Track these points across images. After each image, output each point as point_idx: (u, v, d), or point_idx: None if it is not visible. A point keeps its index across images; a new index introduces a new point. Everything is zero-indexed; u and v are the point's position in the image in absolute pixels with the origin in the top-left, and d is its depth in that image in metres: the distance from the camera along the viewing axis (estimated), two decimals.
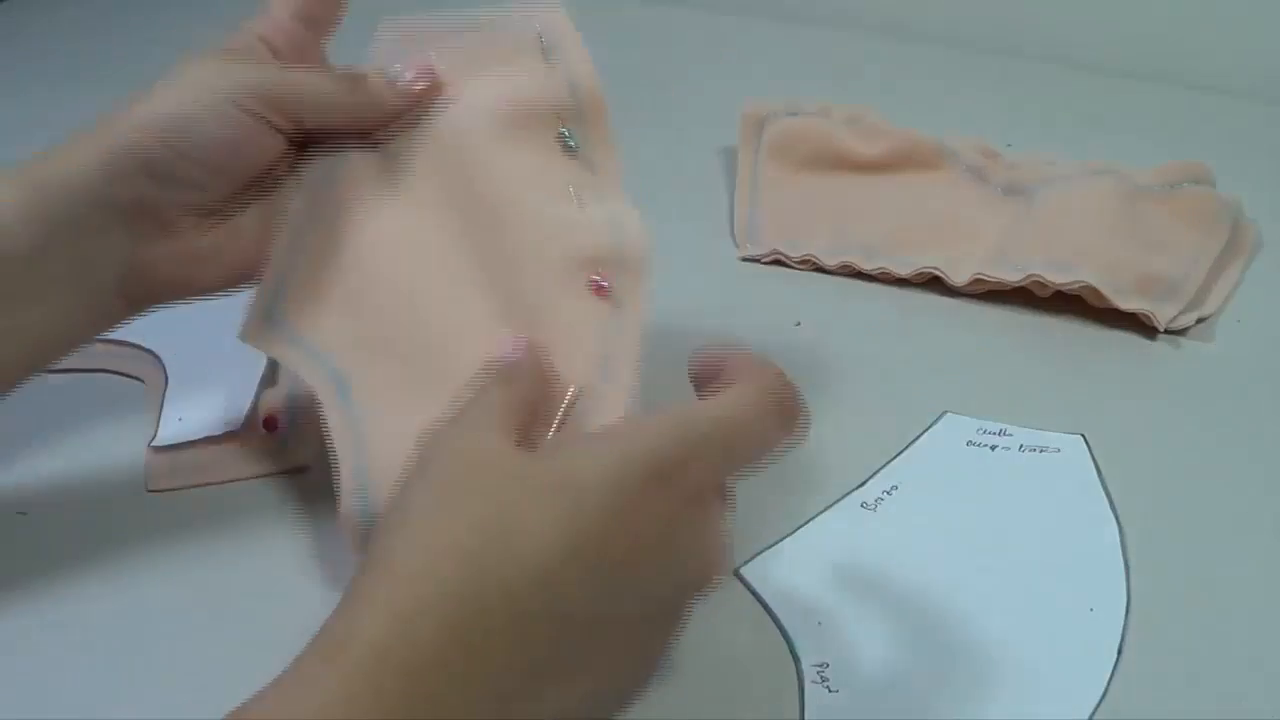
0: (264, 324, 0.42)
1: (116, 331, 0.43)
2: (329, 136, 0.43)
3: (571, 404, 0.36)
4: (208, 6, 0.93)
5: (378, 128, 0.43)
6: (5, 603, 0.42)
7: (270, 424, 0.48)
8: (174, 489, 0.47)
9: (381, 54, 0.44)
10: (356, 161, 0.43)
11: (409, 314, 0.41)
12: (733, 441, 0.33)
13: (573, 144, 0.43)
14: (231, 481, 0.47)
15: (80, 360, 0.52)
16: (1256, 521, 0.45)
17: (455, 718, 0.29)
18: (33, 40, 0.87)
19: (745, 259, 0.61)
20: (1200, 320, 0.56)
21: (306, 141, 0.43)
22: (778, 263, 0.61)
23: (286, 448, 0.48)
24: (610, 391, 0.37)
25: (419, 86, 0.43)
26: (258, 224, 0.42)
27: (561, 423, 0.36)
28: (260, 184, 0.43)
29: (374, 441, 0.39)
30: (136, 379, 0.52)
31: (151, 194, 0.40)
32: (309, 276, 0.42)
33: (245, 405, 0.49)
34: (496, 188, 0.41)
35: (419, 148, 0.43)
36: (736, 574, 0.43)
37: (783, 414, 0.34)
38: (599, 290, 0.39)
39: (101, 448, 0.48)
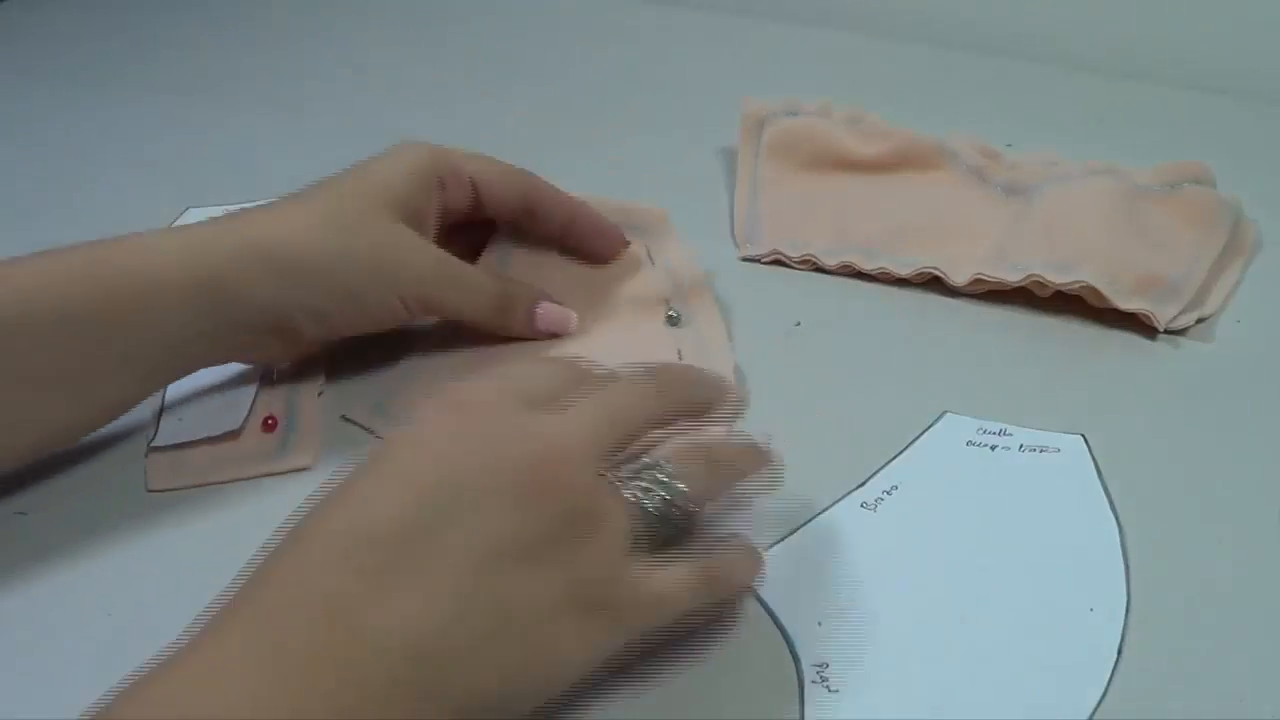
0: (371, 412, 0.50)
1: None
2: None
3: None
4: (208, 6, 0.93)
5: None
6: (5, 603, 0.42)
7: (270, 424, 0.49)
8: (174, 489, 0.47)
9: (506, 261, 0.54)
10: None
11: None
12: None
13: (675, 315, 0.54)
14: (231, 481, 0.47)
15: None
16: (1257, 521, 0.45)
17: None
18: (33, 40, 0.87)
19: (745, 259, 0.61)
20: (1200, 320, 0.56)
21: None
22: (778, 263, 0.61)
23: (286, 448, 0.48)
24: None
25: (551, 332, 0.52)
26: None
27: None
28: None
29: None
30: None
31: (295, 318, 0.45)
32: (419, 379, 0.51)
33: (244, 406, 0.49)
34: (612, 351, 0.45)
35: None
36: None
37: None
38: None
39: (101, 448, 0.48)
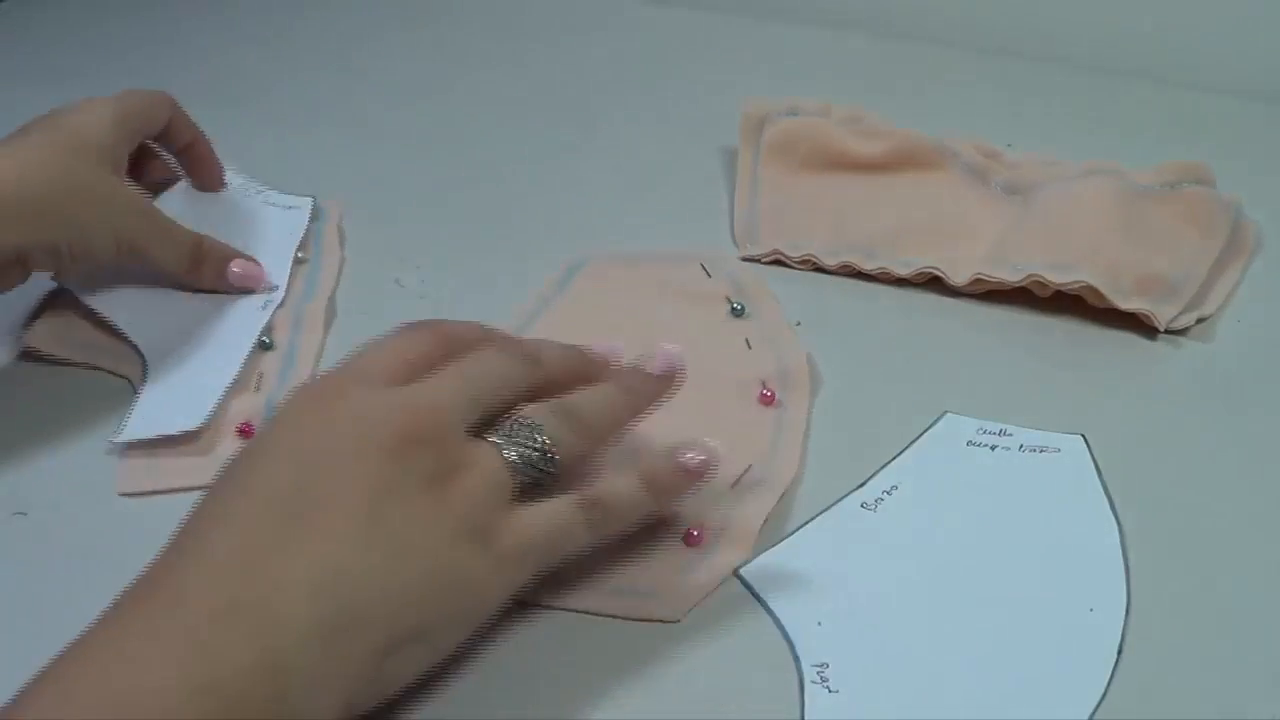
0: None
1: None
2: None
3: (744, 473, 0.46)
4: (208, 7, 0.93)
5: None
6: (5, 603, 0.42)
7: (246, 432, 0.48)
8: (143, 494, 0.46)
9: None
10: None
11: None
12: None
13: (739, 307, 0.55)
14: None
15: (77, 353, 0.52)
16: (1257, 521, 0.45)
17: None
18: (33, 40, 0.87)
19: (745, 259, 0.61)
20: (1200, 320, 0.56)
21: None
22: (778, 263, 0.61)
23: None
24: (775, 467, 0.47)
25: (243, 288, 0.56)
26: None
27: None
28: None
29: None
30: (124, 378, 0.52)
31: (31, 253, 0.48)
32: None
33: (209, 407, 0.49)
34: (680, 339, 0.48)
35: (601, 314, 0.57)
36: (736, 574, 0.43)
37: None
38: (766, 399, 0.50)
39: (101, 448, 0.48)
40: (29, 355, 0.53)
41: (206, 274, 0.55)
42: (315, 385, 0.38)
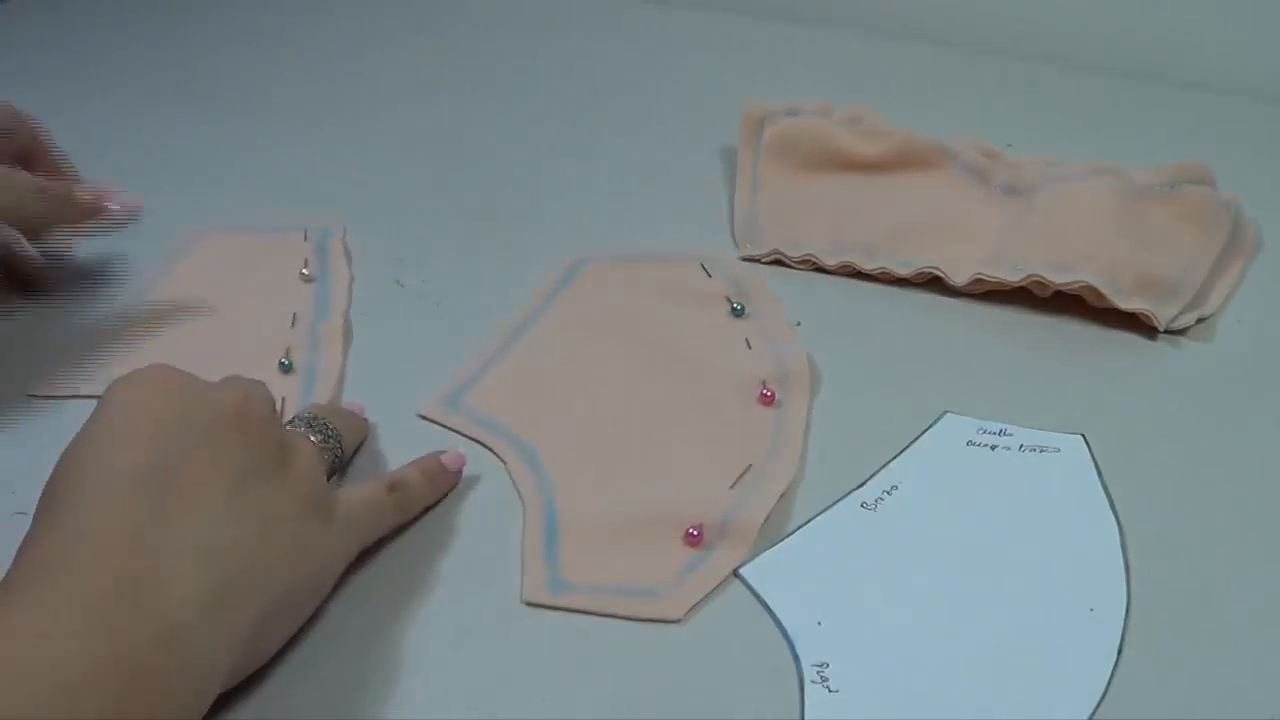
0: (445, 406, 0.51)
1: None
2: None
3: (744, 473, 0.47)
4: (208, 8, 0.93)
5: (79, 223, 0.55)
6: None
7: None
8: None
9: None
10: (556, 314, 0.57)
11: (599, 413, 0.50)
12: None
13: (739, 307, 0.55)
14: None
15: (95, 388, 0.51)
16: (1257, 521, 0.45)
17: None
18: (33, 40, 0.87)
19: (745, 259, 0.61)
20: (1200, 320, 0.56)
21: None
22: (778, 263, 0.61)
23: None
24: (775, 467, 0.47)
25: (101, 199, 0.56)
26: None
27: None
28: None
29: (565, 513, 0.45)
30: None
31: None
32: (498, 379, 0.53)
33: None
34: (681, 338, 0.54)
35: (602, 313, 0.56)
36: (736, 574, 0.43)
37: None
38: (766, 399, 0.50)
39: None
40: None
41: (62, 206, 0.54)
42: (140, 373, 0.38)
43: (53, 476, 0.36)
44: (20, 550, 0.34)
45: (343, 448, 0.46)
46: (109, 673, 0.31)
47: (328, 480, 0.43)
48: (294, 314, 0.56)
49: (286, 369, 0.53)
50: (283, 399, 0.50)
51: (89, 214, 0.55)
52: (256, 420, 0.39)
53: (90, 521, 0.34)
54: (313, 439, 0.44)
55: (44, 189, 0.53)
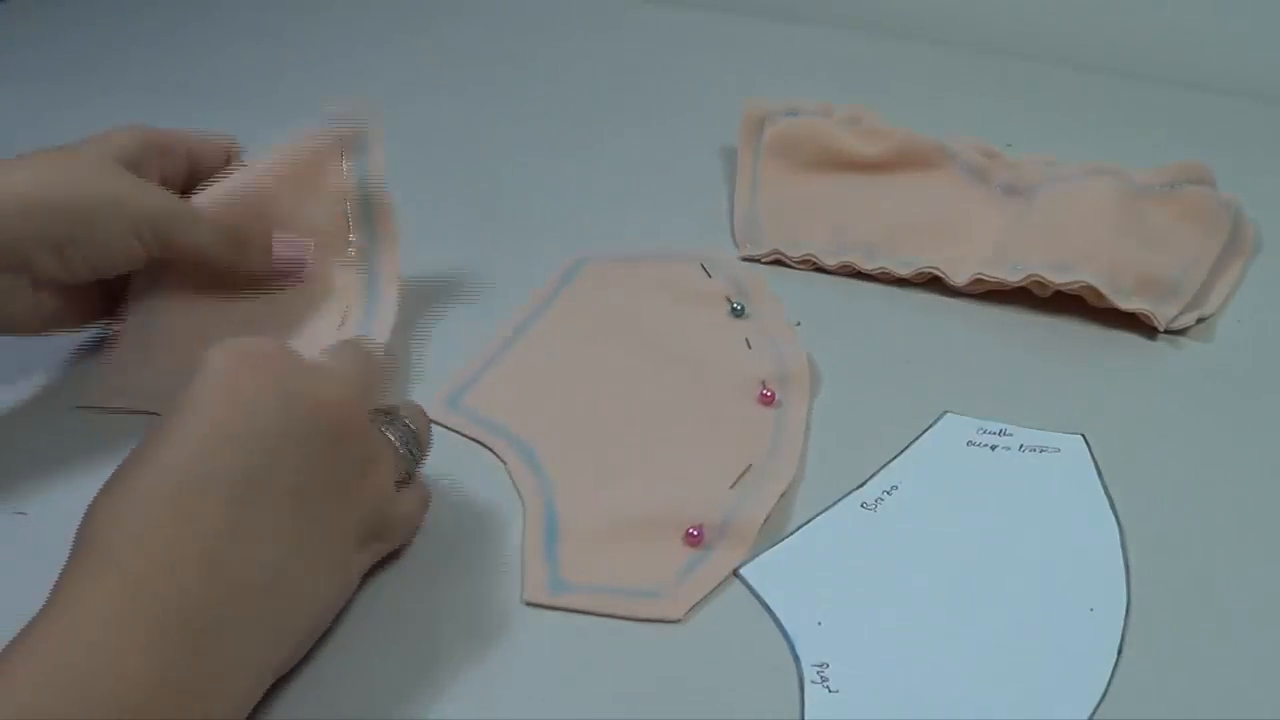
0: (446, 407, 0.51)
1: None
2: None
3: (744, 473, 0.47)
4: (208, 6, 0.93)
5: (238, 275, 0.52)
6: (5, 603, 0.42)
7: None
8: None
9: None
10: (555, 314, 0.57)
11: (599, 413, 0.50)
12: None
13: (739, 308, 0.55)
14: None
15: (138, 401, 0.51)
16: (1257, 521, 0.45)
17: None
18: (33, 40, 0.87)
19: (745, 259, 0.61)
20: (1200, 320, 0.56)
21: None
22: (778, 263, 0.61)
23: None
24: (775, 466, 0.47)
25: (290, 279, 0.53)
26: (85, 303, 0.50)
27: None
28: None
29: (565, 513, 0.45)
30: None
31: (30, 253, 0.45)
32: (498, 379, 0.53)
33: None
34: (681, 338, 0.54)
35: (602, 313, 0.56)
36: (736, 574, 0.43)
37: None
38: (766, 399, 0.50)
39: (102, 446, 0.48)
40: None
41: (253, 254, 0.51)
42: (241, 346, 0.37)
43: (137, 451, 0.35)
44: (83, 530, 0.34)
45: (415, 459, 0.43)
46: (168, 699, 0.31)
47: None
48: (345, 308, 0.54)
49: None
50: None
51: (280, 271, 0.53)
52: (356, 430, 0.38)
53: (161, 523, 0.33)
54: (395, 442, 0.42)
55: (239, 230, 0.50)
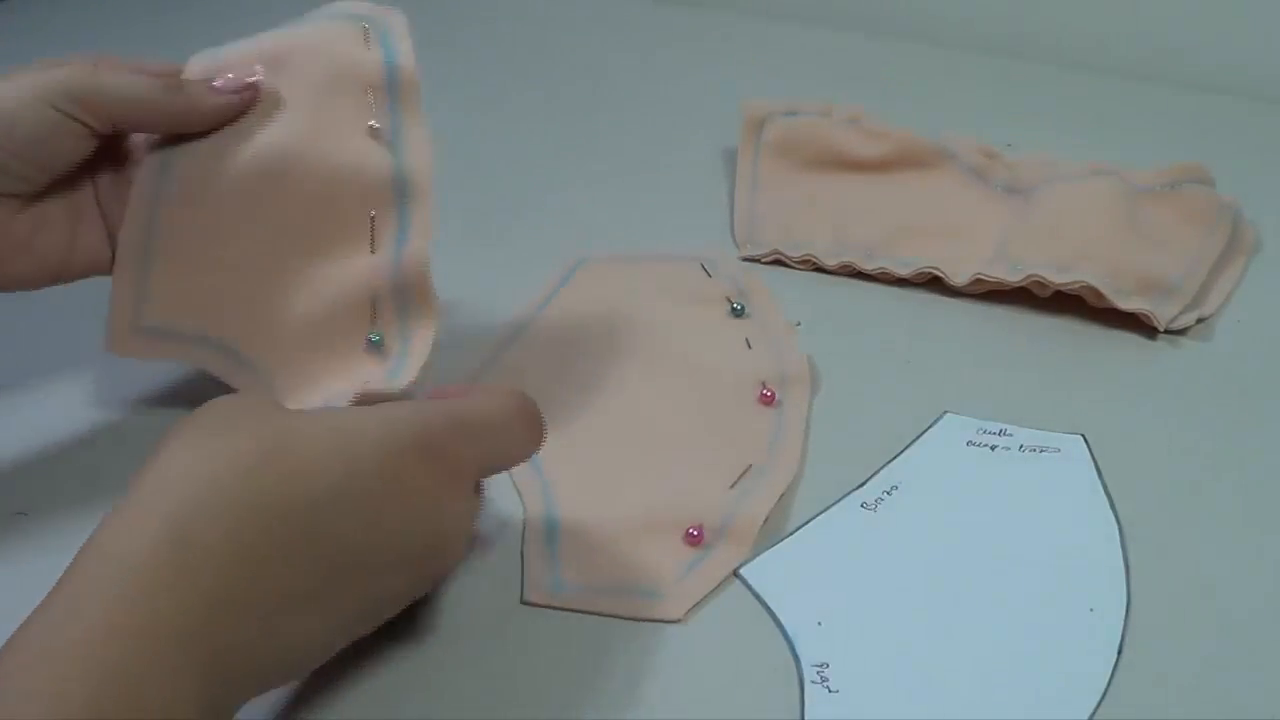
0: None
1: None
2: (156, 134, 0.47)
3: (744, 473, 0.47)
4: (208, 6, 0.93)
5: (198, 130, 0.46)
6: (5, 603, 0.42)
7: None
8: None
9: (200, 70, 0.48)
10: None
11: (599, 413, 0.50)
12: (492, 435, 0.39)
13: (739, 308, 0.55)
14: None
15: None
16: (1257, 521, 0.45)
17: (225, 627, 0.31)
18: (33, 40, 0.87)
19: (745, 259, 0.61)
20: (1200, 320, 0.56)
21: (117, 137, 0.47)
22: (778, 263, 0.61)
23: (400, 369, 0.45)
24: (775, 466, 0.47)
25: (241, 94, 0.46)
26: (66, 216, 0.47)
27: None
28: (72, 177, 0.46)
29: (565, 513, 0.45)
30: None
31: None
32: (497, 379, 0.52)
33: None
34: (681, 338, 0.54)
35: (602, 313, 0.56)
36: (736, 574, 0.43)
37: (530, 424, 0.40)
38: (766, 399, 0.50)
39: (102, 444, 0.48)
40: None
41: (193, 95, 0.45)
42: (435, 441, 0.36)
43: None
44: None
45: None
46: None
47: None
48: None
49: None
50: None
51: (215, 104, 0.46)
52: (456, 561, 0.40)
53: (243, 584, 0.31)
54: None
55: (174, 76, 0.46)
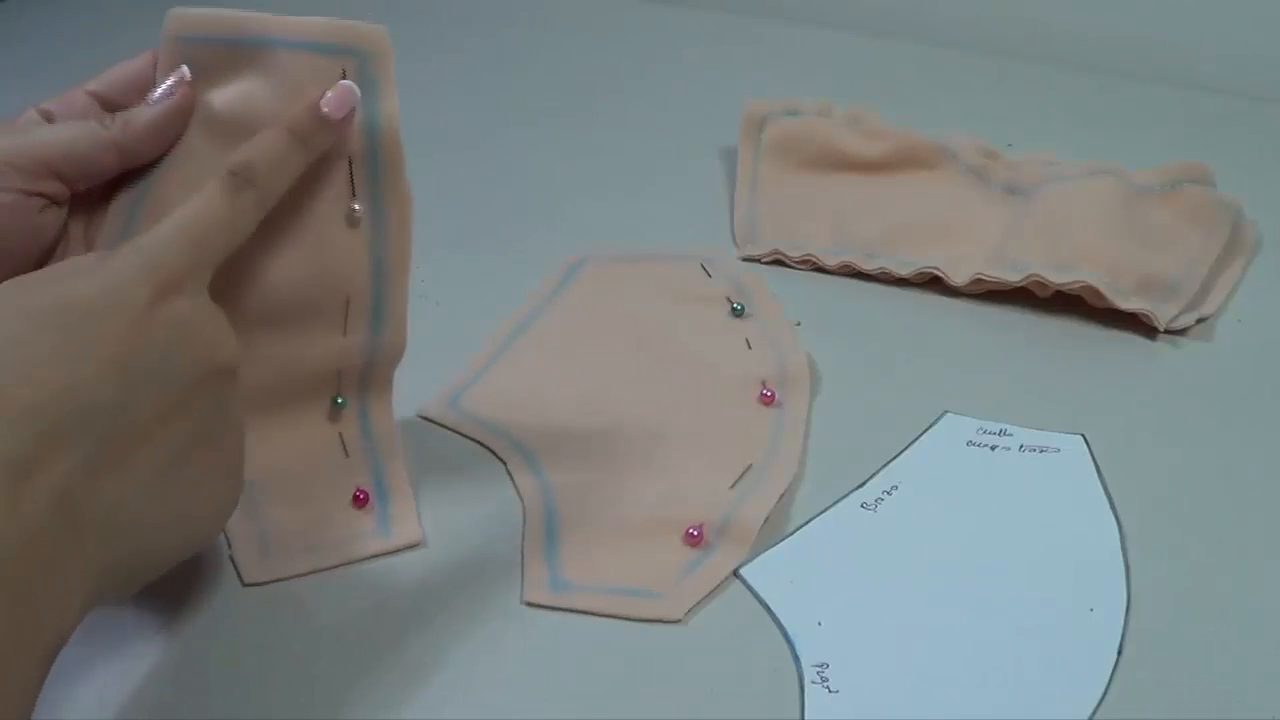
0: (446, 407, 0.51)
1: None
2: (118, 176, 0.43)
3: (744, 473, 0.47)
4: (208, 7, 0.93)
5: (155, 154, 0.43)
6: None
7: (360, 500, 0.45)
8: (272, 581, 0.43)
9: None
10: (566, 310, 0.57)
11: (599, 413, 0.50)
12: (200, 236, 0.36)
13: (739, 308, 0.55)
14: (336, 568, 0.43)
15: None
16: (1256, 521, 0.45)
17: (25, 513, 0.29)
18: (33, 40, 0.87)
19: (745, 259, 0.61)
20: (1200, 320, 0.56)
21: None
22: (778, 263, 0.61)
23: (386, 526, 0.45)
24: (775, 467, 0.47)
25: (173, 96, 0.43)
26: None
27: None
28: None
29: (565, 513, 0.45)
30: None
31: None
32: (498, 379, 0.52)
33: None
34: (681, 338, 0.54)
35: (602, 313, 0.56)
36: (736, 574, 0.43)
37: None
38: (766, 399, 0.50)
39: None
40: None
41: (132, 118, 0.42)
42: (168, 281, 0.35)
43: None
44: None
45: None
46: None
47: None
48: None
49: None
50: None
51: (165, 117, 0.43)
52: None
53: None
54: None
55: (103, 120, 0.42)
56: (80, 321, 0.33)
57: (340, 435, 0.46)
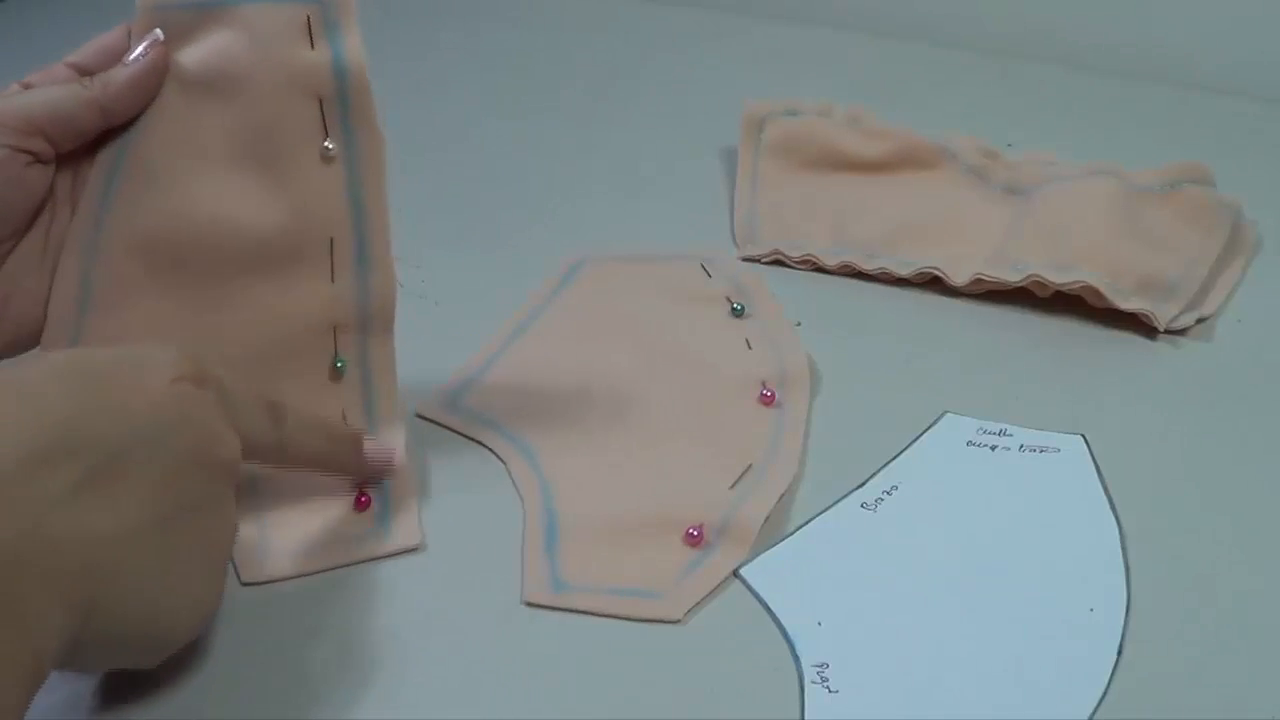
0: (446, 407, 0.51)
1: None
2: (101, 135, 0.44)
3: (744, 473, 0.47)
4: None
5: (133, 111, 0.44)
6: None
7: (363, 503, 0.45)
8: (271, 581, 0.43)
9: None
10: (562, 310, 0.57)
11: (599, 413, 0.50)
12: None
13: (739, 308, 0.55)
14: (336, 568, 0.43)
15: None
16: (1257, 521, 0.45)
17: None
18: (33, 40, 0.87)
19: (745, 259, 0.61)
20: (1200, 320, 0.56)
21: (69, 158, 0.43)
22: (778, 263, 0.61)
23: (386, 528, 0.45)
24: (774, 466, 0.47)
25: (148, 56, 0.45)
26: (37, 269, 0.43)
27: None
28: (35, 223, 0.43)
29: (565, 513, 0.45)
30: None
31: None
32: (498, 379, 0.52)
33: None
34: (681, 338, 0.54)
35: (602, 313, 0.56)
36: (736, 574, 0.43)
37: None
38: (766, 399, 0.50)
39: None
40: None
41: (111, 78, 0.44)
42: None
43: None
44: None
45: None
46: None
47: None
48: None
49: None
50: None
51: None
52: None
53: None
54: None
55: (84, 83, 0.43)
56: (97, 377, 0.34)
57: (343, 413, 0.46)
